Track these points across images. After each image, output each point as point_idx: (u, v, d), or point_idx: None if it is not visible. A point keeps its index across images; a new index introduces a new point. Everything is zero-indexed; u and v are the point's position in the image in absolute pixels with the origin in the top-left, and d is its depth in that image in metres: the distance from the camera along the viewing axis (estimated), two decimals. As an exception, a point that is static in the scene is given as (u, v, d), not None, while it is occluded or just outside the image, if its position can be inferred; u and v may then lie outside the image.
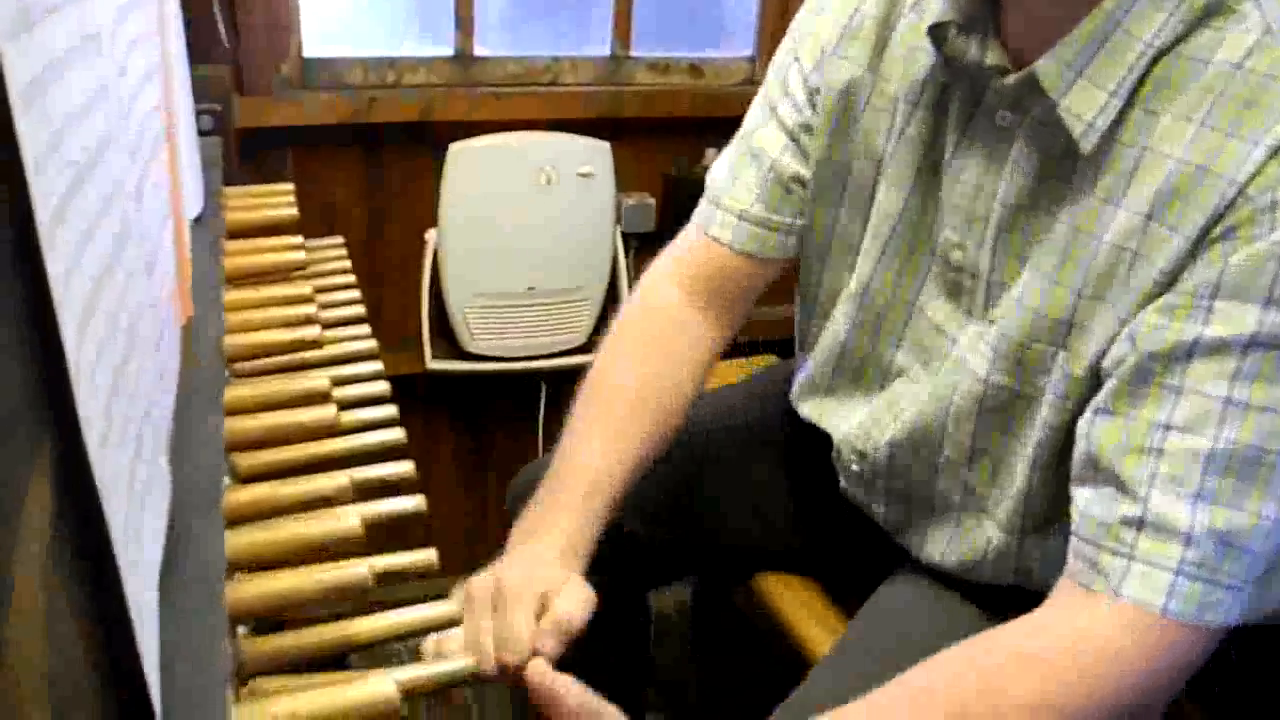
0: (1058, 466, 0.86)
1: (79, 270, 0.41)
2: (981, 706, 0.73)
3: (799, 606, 1.18)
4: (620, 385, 1.01)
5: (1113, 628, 0.74)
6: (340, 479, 0.70)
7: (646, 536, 1.14)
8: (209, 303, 0.91)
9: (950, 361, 0.92)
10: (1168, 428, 0.74)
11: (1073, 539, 0.79)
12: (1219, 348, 0.72)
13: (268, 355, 0.90)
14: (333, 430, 0.78)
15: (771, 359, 1.67)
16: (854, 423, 1.02)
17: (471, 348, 1.86)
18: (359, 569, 0.61)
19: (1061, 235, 0.82)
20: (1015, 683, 0.74)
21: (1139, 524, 0.74)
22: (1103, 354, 0.79)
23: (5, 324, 0.35)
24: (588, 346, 1.91)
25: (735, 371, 1.46)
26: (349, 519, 0.65)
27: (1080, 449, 0.80)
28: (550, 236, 1.82)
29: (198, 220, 1.02)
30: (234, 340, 0.88)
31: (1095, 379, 0.81)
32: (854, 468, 1.03)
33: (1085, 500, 0.79)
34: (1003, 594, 0.94)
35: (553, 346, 1.89)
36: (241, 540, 0.63)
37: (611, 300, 1.91)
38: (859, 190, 0.98)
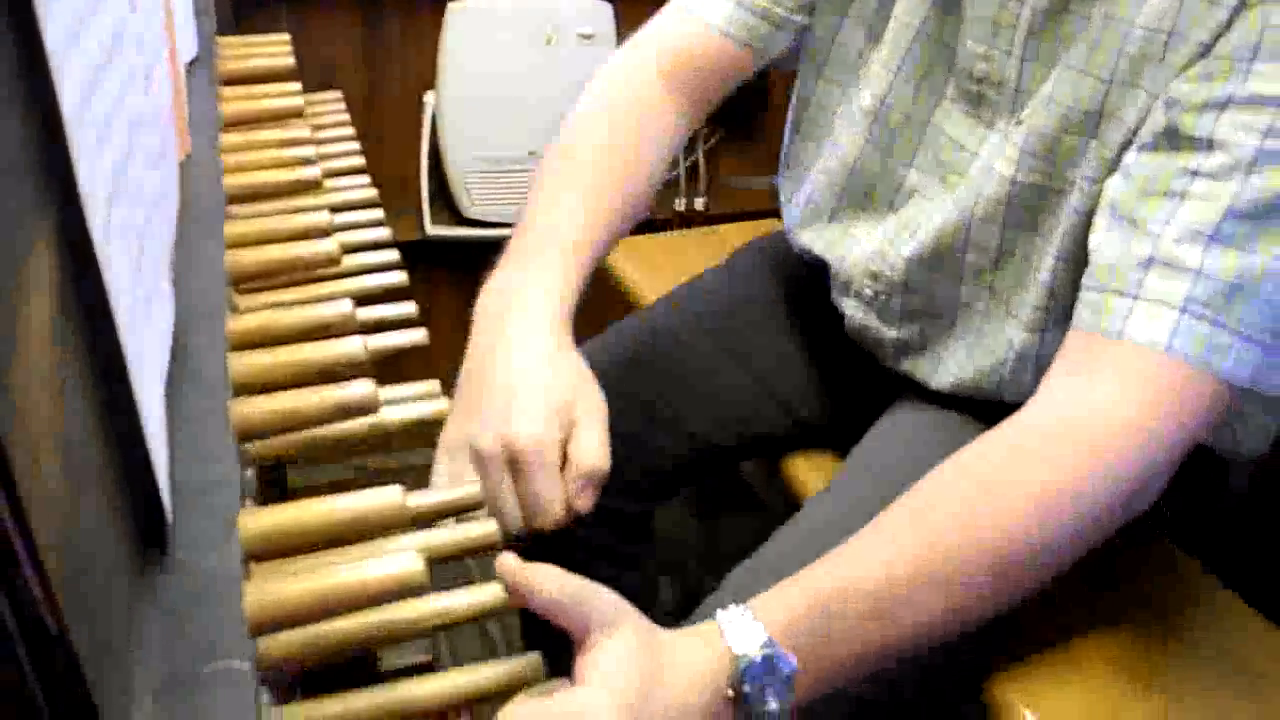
0: (1083, 256, 0.83)
1: (77, 48, 0.41)
2: (989, 507, 0.70)
3: (810, 471, 1.18)
4: (592, 153, 0.94)
5: (1115, 380, 0.72)
6: (343, 306, 0.70)
7: (644, 446, 1.10)
8: (207, 142, 0.90)
9: (973, 171, 0.90)
10: (1195, 174, 0.73)
11: (1082, 290, 0.77)
12: (1254, 102, 0.71)
13: (267, 196, 0.89)
14: (333, 263, 0.78)
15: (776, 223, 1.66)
16: (865, 247, 1.00)
17: (471, 213, 1.84)
18: (363, 387, 0.61)
19: (1093, 29, 0.80)
20: (1019, 482, 0.70)
21: (1148, 263, 0.73)
22: (1136, 130, 0.78)
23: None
24: (588, 214, 1.90)
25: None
26: (351, 342, 0.65)
27: (1104, 202, 0.79)
28: (551, 99, 1.79)
29: (193, 64, 1.00)
30: (233, 180, 0.87)
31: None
32: (867, 292, 1.00)
33: (1096, 246, 0.77)
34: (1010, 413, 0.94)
35: (553, 213, 1.88)
36: (244, 363, 0.63)
37: (612, 167, 1.89)
38: (865, 1, 0.95)
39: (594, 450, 0.74)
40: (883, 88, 0.95)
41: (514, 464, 0.73)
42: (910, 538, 0.69)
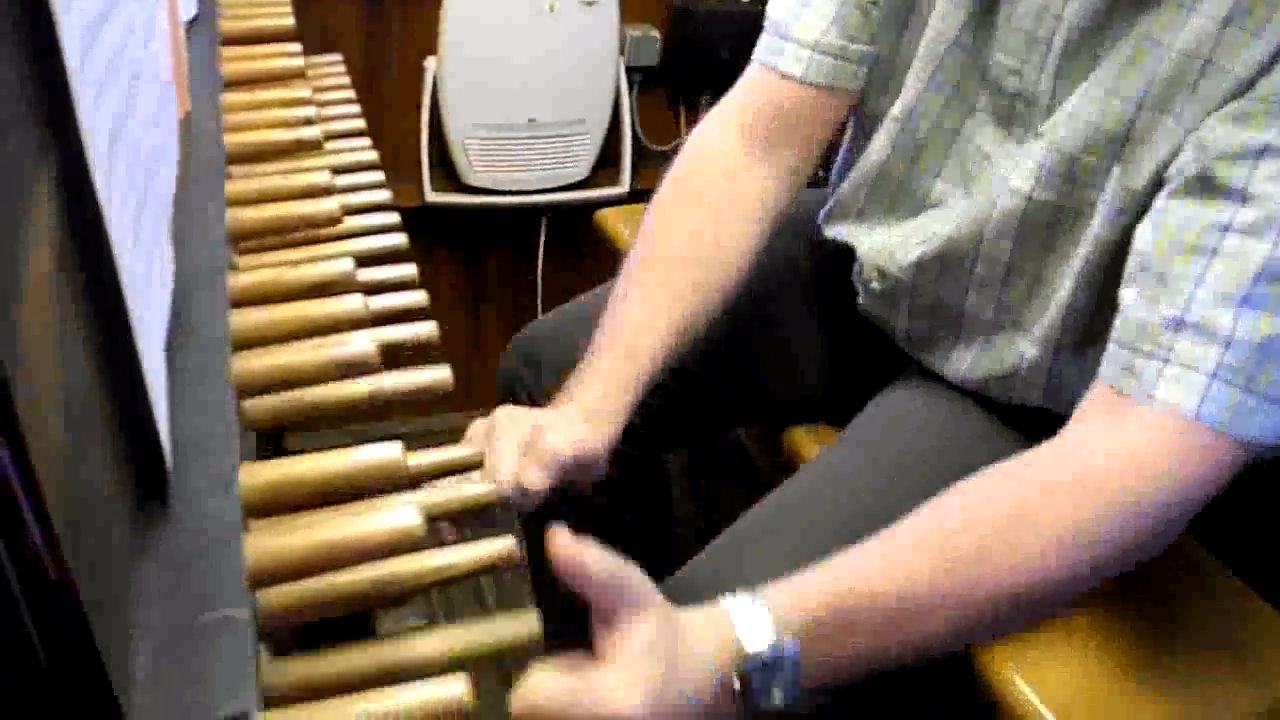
0: (1106, 282, 0.83)
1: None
2: (1007, 545, 0.71)
3: (812, 442, 1.18)
4: (665, 245, 0.95)
5: (1142, 436, 0.72)
6: (344, 264, 0.69)
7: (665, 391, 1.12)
8: (206, 100, 0.89)
9: (991, 184, 0.90)
10: (1227, 229, 0.71)
11: (1110, 345, 0.77)
12: None
13: (267, 156, 0.88)
14: (335, 223, 0.78)
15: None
16: (876, 242, 1.00)
17: (471, 180, 1.84)
18: (363, 345, 0.61)
19: (1127, 49, 0.78)
20: (1042, 513, 0.71)
21: (1179, 325, 0.72)
22: (1165, 166, 0.77)
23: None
24: (588, 182, 1.90)
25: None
26: (353, 300, 0.65)
27: (1134, 249, 0.78)
28: (552, 67, 1.79)
29: (193, 23, 1.00)
30: (233, 139, 0.87)
31: (1156, 190, 0.78)
32: (874, 285, 1.01)
33: (1128, 302, 0.77)
34: (1020, 408, 0.94)
35: (553, 180, 1.88)
36: (245, 320, 0.63)
37: (613, 135, 1.89)
38: (919, 14, 0.93)
39: (560, 435, 0.82)
40: (911, 97, 0.94)
41: (489, 431, 0.82)
42: (930, 558, 0.70)
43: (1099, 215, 0.83)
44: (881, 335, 1.06)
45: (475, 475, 0.79)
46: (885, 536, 0.72)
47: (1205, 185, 0.73)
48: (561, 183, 1.88)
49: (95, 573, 0.38)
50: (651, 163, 1.95)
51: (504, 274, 2.05)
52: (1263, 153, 0.71)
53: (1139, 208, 0.79)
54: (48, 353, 0.36)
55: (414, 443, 0.75)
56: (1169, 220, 0.75)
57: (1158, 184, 0.78)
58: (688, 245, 0.94)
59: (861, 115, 1.03)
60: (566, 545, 0.63)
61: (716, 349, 1.11)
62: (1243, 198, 0.71)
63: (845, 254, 1.05)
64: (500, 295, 2.06)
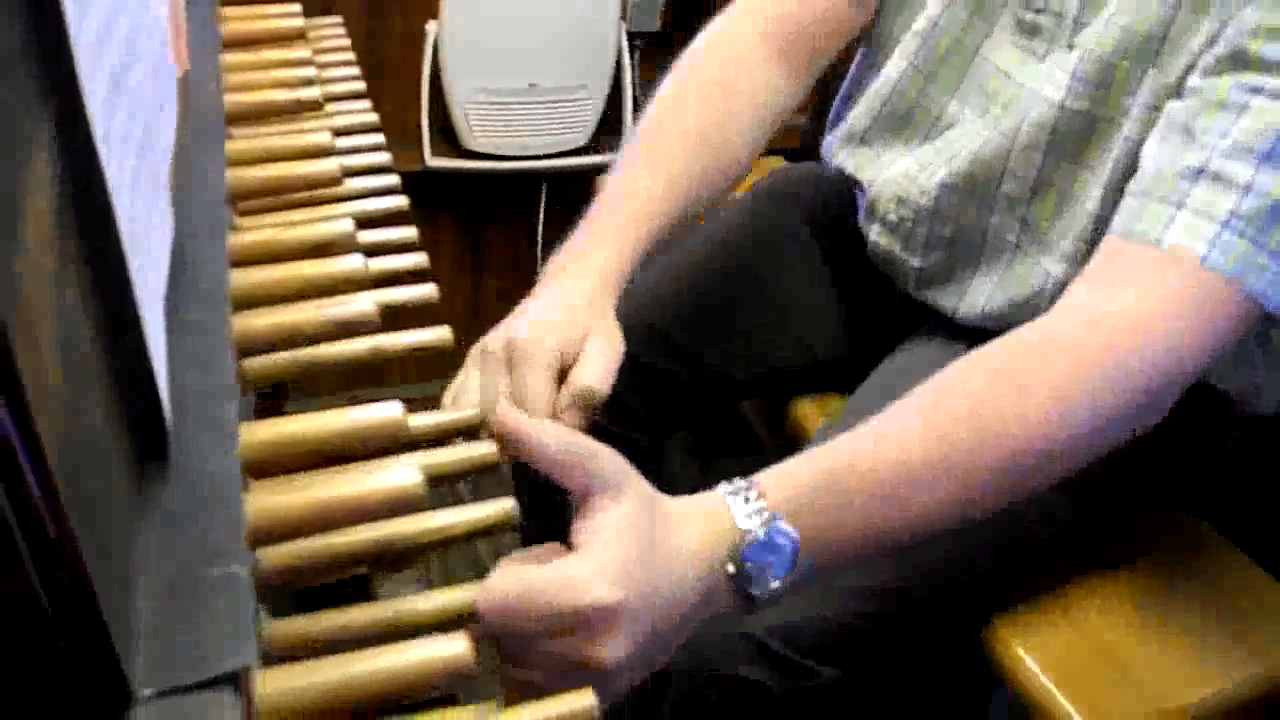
0: None
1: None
2: (1006, 399, 0.68)
3: (817, 412, 1.18)
4: (677, 128, 0.92)
5: (1147, 281, 0.71)
6: (344, 224, 0.69)
7: (663, 369, 1.10)
8: (206, 60, 0.89)
9: (1019, 98, 0.89)
10: (1258, 90, 0.71)
11: (1125, 197, 0.76)
12: None
13: (267, 116, 0.88)
14: (335, 183, 0.77)
15: (778, 161, 1.65)
16: (896, 170, 0.98)
17: (472, 145, 1.83)
18: (364, 304, 0.61)
19: None
20: (1038, 372, 0.69)
21: (1198, 174, 0.72)
22: (1198, 59, 0.77)
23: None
24: (589, 148, 1.89)
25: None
26: (354, 260, 0.64)
27: (1160, 120, 0.78)
28: (553, 31, 1.77)
29: (191, -19, 0.99)
30: (232, 99, 0.86)
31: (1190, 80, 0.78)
32: (891, 217, 0.99)
33: (1149, 155, 0.76)
34: None
35: (554, 146, 1.87)
36: (245, 279, 0.63)
37: (614, 101, 1.88)
38: None
39: (595, 373, 0.74)
40: (935, 11, 0.93)
41: (510, 359, 0.74)
42: (924, 424, 0.67)
43: (1130, 119, 0.82)
44: (887, 295, 1.05)
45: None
46: (879, 415, 0.69)
47: (1238, 59, 0.73)
48: (563, 148, 1.87)
49: (95, 526, 0.38)
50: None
51: (504, 240, 2.05)
52: None
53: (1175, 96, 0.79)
54: (46, 303, 0.36)
55: (414, 408, 0.75)
56: (1201, 90, 0.74)
57: (1189, 70, 0.77)
58: (699, 127, 0.92)
59: (875, 37, 1.02)
60: (515, 420, 0.60)
61: (717, 323, 1.11)
62: (1276, 68, 0.71)
63: (843, 210, 1.04)
64: (500, 261, 2.06)
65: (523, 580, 0.56)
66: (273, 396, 1.09)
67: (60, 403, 0.37)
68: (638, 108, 1.93)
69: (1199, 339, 0.71)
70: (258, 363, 0.62)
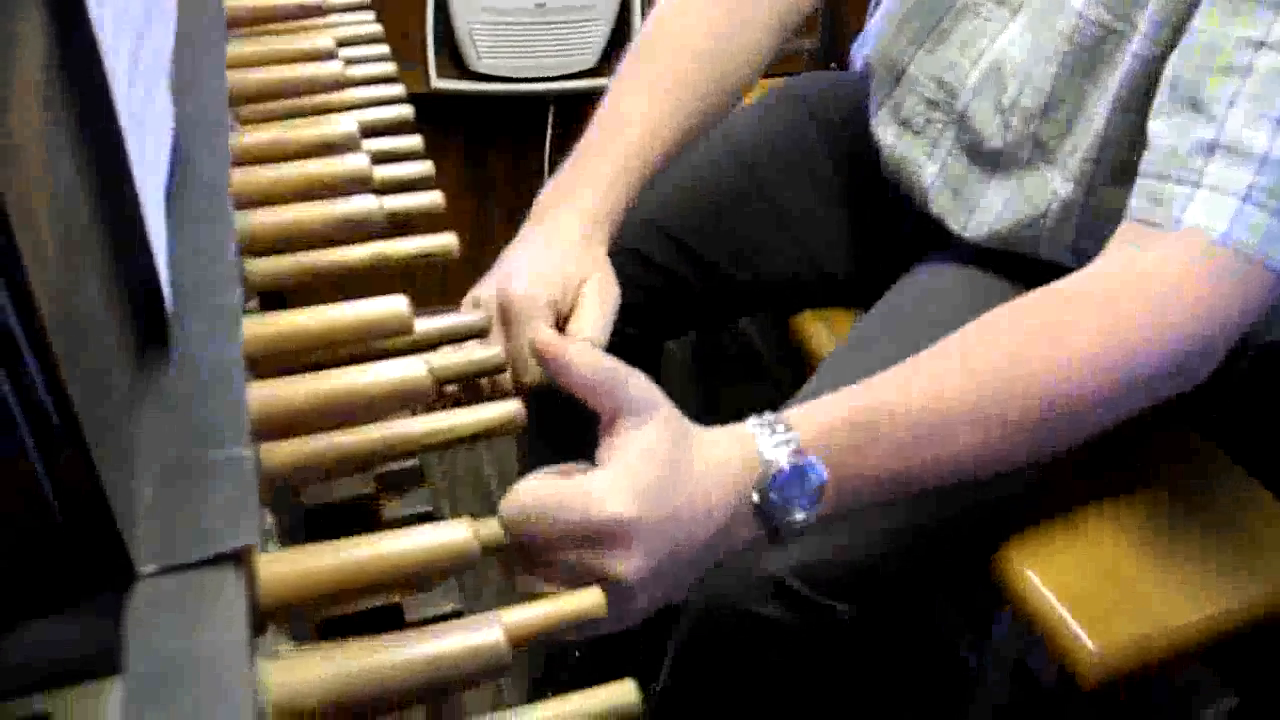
0: (1141, 112, 0.81)
1: None
2: (1039, 349, 0.68)
3: (821, 327, 1.17)
4: (682, 38, 0.90)
5: (1171, 258, 0.70)
6: (348, 124, 0.68)
7: (670, 275, 1.10)
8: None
9: (1042, 2, 0.88)
10: (1261, 44, 0.69)
11: (1139, 178, 0.74)
12: None
13: (268, 19, 0.86)
14: (339, 86, 0.76)
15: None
16: (925, 69, 0.97)
17: (478, 67, 1.81)
18: (369, 200, 0.60)
19: None
20: (1072, 326, 0.68)
21: (1212, 148, 0.70)
22: None
23: None
24: (597, 70, 1.86)
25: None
26: (358, 159, 0.63)
27: (1163, 79, 0.76)
28: (561, -52, 1.74)
29: (192, -116, 0.97)
30: (233, 2, 0.85)
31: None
32: (918, 120, 0.98)
33: (1158, 132, 0.74)
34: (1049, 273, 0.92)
35: (561, 68, 1.84)
36: (247, 178, 0.62)
37: (622, 22, 1.85)
38: None
39: (592, 323, 0.76)
40: None
41: (504, 316, 0.75)
42: (957, 370, 0.67)
43: (1139, 33, 0.81)
44: (896, 214, 1.04)
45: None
46: (911, 359, 0.69)
47: None
48: (570, 70, 1.85)
49: (96, 405, 0.38)
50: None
51: (510, 163, 2.03)
52: None
53: (1179, 19, 0.77)
54: (41, 176, 0.35)
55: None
56: (1199, 40, 0.72)
57: None
58: (711, 41, 0.90)
59: None
60: (549, 339, 0.60)
61: (718, 226, 1.10)
62: (1276, 8, 0.69)
63: (855, 121, 1.03)
64: (507, 186, 2.04)
65: (544, 489, 0.56)
66: (273, 305, 1.09)
67: (59, 278, 0.36)
68: (647, 30, 1.90)
69: (1224, 312, 0.70)
70: (260, 264, 0.61)
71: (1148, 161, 0.75)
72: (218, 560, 0.38)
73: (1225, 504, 1.00)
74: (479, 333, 0.68)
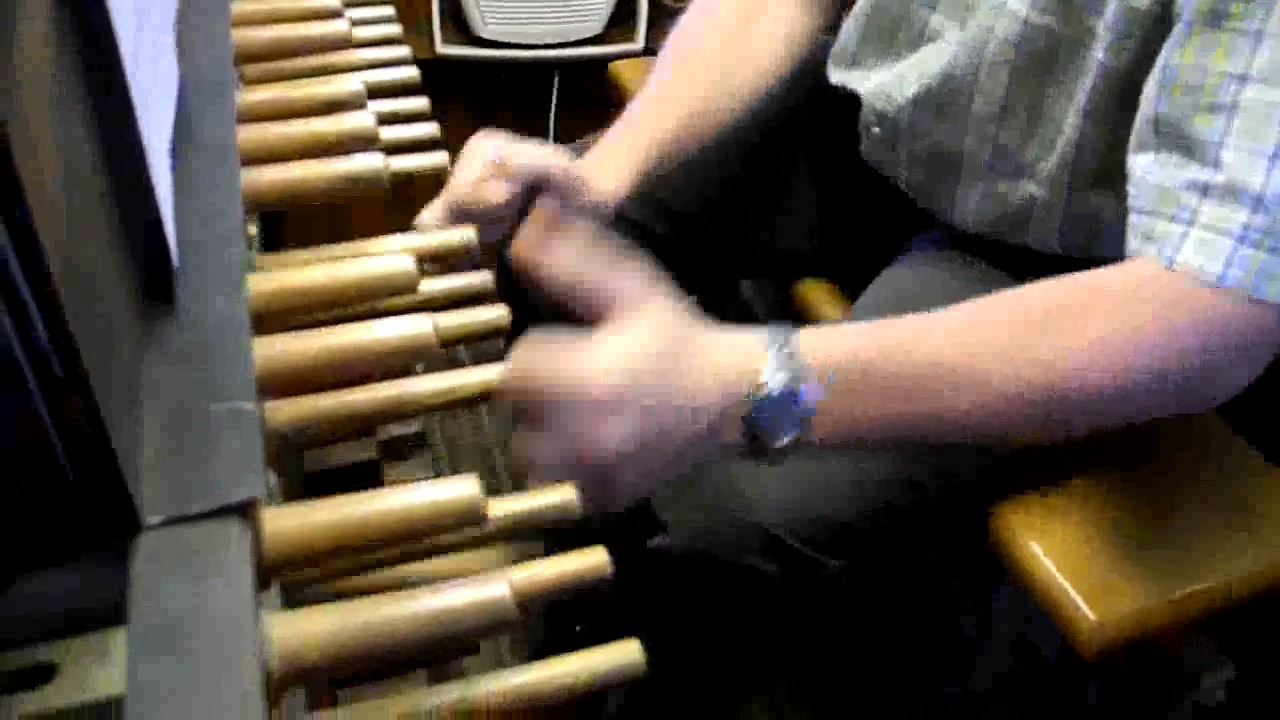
0: (1118, 115, 0.80)
1: None
2: (1051, 330, 0.66)
3: (822, 296, 1.17)
4: (695, 44, 0.99)
5: (1163, 298, 0.68)
6: (354, 83, 0.68)
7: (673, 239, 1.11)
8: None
9: (987, 9, 0.87)
10: (1244, 78, 0.67)
11: (1130, 216, 0.72)
12: None
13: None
14: (346, 45, 0.76)
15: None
16: (873, 84, 0.99)
17: (484, 33, 1.80)
18: (372, 159, 0.60)
19: None
20: (1087, 314, 0.66)
21: (1205, 189, 0.68)
22: None
23: None
24: (603, 38, 1.86)
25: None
26: (363, 116, 0.63)
27: (1142, 112, 0.73)
28: (568, -87, 1.73)
29: None
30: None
31: (1165, 12, 0.74)
32: (875, 129, 1.00)
33: (1143, 168, 0.72)
34: (1042, 262, 0.91)
35: (567, 35, 1.83)
36: (252, 135, 0.61)
37: (629, -11, 1.84)
38: None
39: (527, 151, 0.94)
40: None
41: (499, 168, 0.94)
42: (969, 336, 0.66)
43: (1100, 41, 0.80)
44: (885, 188, 1.04)
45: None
46: (924, 315, 0.68)
47: (1215, 24, 0.68)
48: (575, 37, 1.84)
49: (101, 356, 0.38)
50: (667, 21, 1.90)
51: (515, 130, 2.01)
52: None
53: (1147, 30, 0.76)
54: (45, 121, 0.35)
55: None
56: (1179, 78, 0.70)
57: (1167, 5, 0.74)
58: (717, 49, 0.98)
59: None
60: (529, 240, 0.60)
61: (712, 192, 1.11)
62: (1257, 38, 0.67)
63: (849, 102, 1.03)
64: (511, 153, 2.03)
65: (538, 353, 0.57)
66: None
67: (63, 226, 0.36)
68: (651, -2, 1.90)
69: (1227, 353, 0.68)
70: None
71: (1135, 198, 0.73)
72: (223, 512, 0.38)
73: (1226, 475, 1.00)
74: (485, 294, 0.68)
